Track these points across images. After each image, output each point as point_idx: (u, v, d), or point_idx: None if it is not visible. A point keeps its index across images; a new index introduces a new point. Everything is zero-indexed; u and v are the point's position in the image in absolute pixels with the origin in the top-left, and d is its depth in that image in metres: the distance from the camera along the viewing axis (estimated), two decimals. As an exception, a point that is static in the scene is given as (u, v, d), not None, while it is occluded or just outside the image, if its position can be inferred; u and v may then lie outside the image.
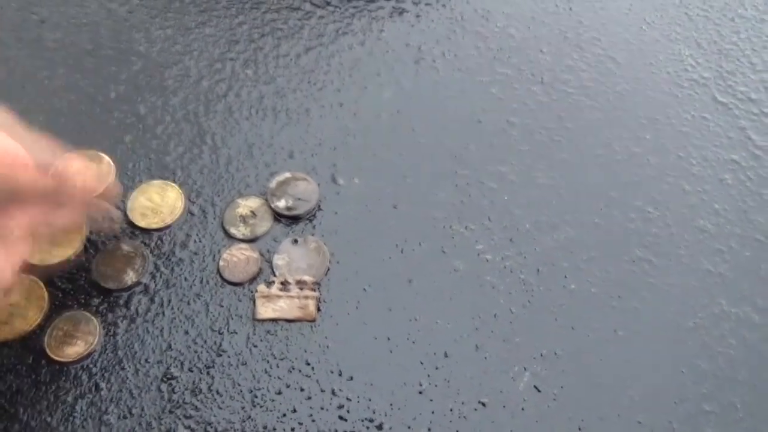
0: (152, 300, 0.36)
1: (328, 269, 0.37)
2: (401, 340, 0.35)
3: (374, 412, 0.33)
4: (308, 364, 0.35)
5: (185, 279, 0.37)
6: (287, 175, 0.40)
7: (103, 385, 0.34)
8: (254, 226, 0.38)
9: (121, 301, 0.36)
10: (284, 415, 0.33)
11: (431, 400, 0.34)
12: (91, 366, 0.34)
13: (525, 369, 0.35)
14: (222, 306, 0.36)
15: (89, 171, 0.34)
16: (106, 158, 0.40)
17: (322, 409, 0.33)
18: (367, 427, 0.33)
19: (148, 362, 0.34)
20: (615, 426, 0.33)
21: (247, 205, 0.39)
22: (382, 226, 0.39)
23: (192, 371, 0.34)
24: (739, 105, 0.45)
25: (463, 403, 0.34)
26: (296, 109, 0.43)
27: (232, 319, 0.36)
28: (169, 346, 0.35)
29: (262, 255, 0.38)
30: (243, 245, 0.38)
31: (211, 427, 0.33)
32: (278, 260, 0.37)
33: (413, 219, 0.39)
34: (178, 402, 0.33)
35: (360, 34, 0.47)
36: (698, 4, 0.50)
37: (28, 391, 0.33)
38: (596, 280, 0.37)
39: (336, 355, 0.35)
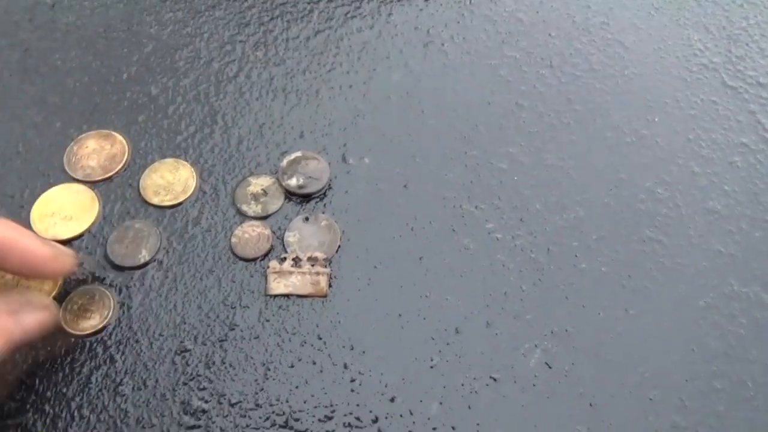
0: (166, 275, 0.36)
1: (339, 246, 0.38)
2: (412, 316, 0.36)
3: (386, 386, 0.34)
4: (320, 338, 0.35)
5: (198, 255, 0.37)
6: (298, 153, 0.40)
7: (118, 357, 0.34)
8: (266, 204, 0.39)
9: (135, 277, 0.36)
10: (297, 387, 0.33)
11: (443, 375, 0.34)
12: (106, 339, 0.35)
13: (536, 346, 0.35)
14: (234, 282, 0.36)
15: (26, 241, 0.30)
16: (119, 137, 0.41)
17: (334, 382, 0.34)
18: (379, 400, 0.33)
19: (162, 336, 0.35)
20: (626, 403, 0.33)
21: (259, 183, 0.39)
22: (392, 205, 0.39)
23: (205, 344, 0.34)
24: (748, 89, 0.45)
25: (474, 378, 0.34)
26: (306, 90, 0.44)
27: (245, 294, 0.36)
28: (183, 320, 0.35)
29: (273, 232, 0.38)
30: (255, 222, 0.38)
31: (225, 399, 0.33)
32: (289, 237, 0.37)
33: (423, 198, 0.39)
34: (191, 374, 0.34)
35: (369, 17, 0.47)
36: (707, -11, 0.50)
37: (44, 363, 0.34)
38: (606, 260, 0.38)
39: (348, 331, 0.35)
